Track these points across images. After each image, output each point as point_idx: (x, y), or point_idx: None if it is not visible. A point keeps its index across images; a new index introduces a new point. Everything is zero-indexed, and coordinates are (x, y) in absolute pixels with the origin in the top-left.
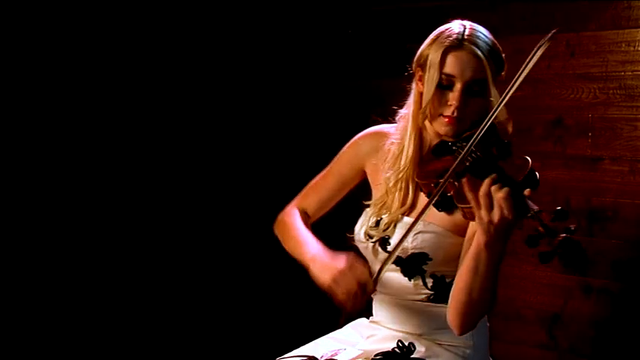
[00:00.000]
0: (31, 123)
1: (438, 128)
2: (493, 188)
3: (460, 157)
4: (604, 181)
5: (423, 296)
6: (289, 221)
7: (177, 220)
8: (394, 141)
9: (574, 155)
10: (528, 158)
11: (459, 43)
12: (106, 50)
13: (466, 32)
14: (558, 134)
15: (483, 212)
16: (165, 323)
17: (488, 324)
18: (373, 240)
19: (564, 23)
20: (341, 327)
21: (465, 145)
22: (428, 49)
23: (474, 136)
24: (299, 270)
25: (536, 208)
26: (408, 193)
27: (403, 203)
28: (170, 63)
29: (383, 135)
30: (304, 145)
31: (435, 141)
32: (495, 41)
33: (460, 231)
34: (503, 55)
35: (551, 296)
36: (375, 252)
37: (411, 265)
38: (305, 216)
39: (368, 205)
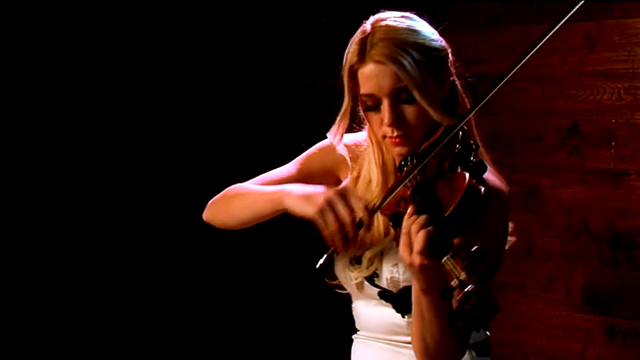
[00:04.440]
0: (30, 123)
1: (391, 152)
2: (414, 226)
3: (401, 181)
4: (630, 200)
5: None
6: (234, 188)
7: (161, 224)
8: (363, 164)
9: (594, 169)
10: (465, 175)
11: (362, 55)
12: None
13: (368, 38)
14: (574, 143)
15: (403, 252)
16: (163, 325)
17: None
18: (358, 281)
19: (581, 10)
20: (323, 271)
21: (414, 163)
22: (342, 70)
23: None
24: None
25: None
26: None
27: (386, 232)
28: (127, 62)
29: (359, 145)
30: (268, 150)
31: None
32: (414, 27)
33: None
34: (431, 38)
35: (567, 340)
36: (360, 287)
37: (404, 299)
38: None
39: None
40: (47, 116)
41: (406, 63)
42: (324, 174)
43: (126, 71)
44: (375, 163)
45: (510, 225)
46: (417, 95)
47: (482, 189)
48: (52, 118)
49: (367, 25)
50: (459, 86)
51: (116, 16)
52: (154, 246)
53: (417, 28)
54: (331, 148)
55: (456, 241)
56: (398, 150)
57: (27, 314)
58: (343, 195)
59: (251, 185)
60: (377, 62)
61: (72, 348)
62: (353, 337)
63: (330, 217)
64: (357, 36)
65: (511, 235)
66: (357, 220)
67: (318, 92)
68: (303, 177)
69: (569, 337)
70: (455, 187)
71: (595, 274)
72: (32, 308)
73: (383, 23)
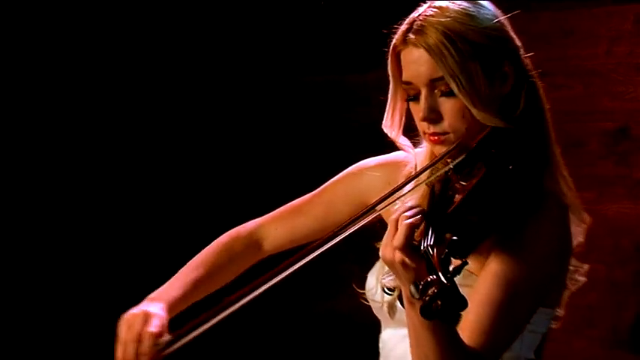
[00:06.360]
0: (31, 124)
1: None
2: (402, 213)
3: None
4: None
5: None
6: (217, 243)
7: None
8: (412, 166)
9: None
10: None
11: (405, 37)
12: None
13: (418, 18)
14: (622, 151)
15: (384, 248)
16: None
17: None
18: (393, 294)
19: None
20: None
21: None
22: (388, 50)
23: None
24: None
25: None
26: None
27: None
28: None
29: (396, 164)
30: (271, 149)
31: None
32: (471, 12)
33: None
34: (490, 26)
35: None
36: (391, 311)
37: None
38: (255, 246)
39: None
40: (48, 117)
41: (447, 52)
42: (348, 203)
43: (127, 69)
44: (425, 156)
45: (585, 266)
46: (454, 88)
47: (503, 194)
48: (52, 120)
49: (423, 5)
50: (537, 87)
51: (117, 13)
52: (155, 246)
53: (474, 13)
54: (364, 172)
55: (447, 235)
56: (437, 149)
57: (27, 314)
58: (148, 319)
59: (215, 252)
60: (416, 47)
61: (72, 348)
62: None
63: (123, 329)
64: (411, 14)
65: (582, 275)
66: (142, 345)
67: (322, 89)
68: (325, 206)
69: None
70: (466, 188)
71: None
72: (32, 308)
73: (437, 3)
